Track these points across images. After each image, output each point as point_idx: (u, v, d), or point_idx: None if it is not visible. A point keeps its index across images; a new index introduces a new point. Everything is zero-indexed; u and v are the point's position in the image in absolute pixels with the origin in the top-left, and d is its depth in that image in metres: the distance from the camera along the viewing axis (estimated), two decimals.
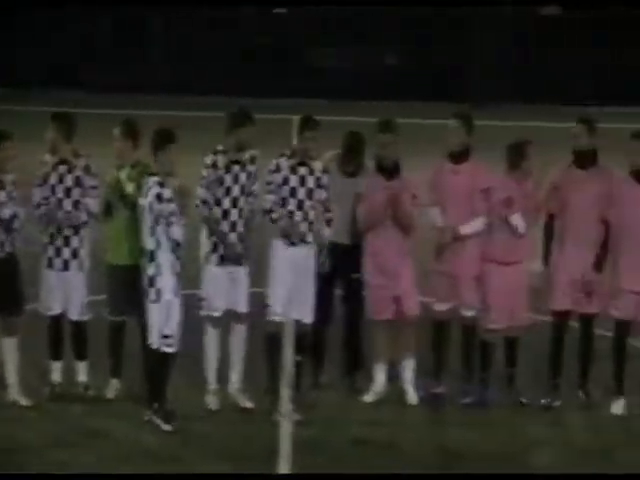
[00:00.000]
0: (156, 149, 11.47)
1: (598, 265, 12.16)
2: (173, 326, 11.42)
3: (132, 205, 11.82)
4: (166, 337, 11.42)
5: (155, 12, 43.24)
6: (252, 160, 12.20)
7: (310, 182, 12.07)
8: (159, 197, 11.32)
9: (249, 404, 12.25)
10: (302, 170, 12.06)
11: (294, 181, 12.07)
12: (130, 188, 11.95)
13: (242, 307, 12.28)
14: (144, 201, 11.45)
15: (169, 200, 11.33)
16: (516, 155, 12.15)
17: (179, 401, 12.03)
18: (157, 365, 11.57)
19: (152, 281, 11.41)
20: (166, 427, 11.44)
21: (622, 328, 12.25)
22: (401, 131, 12.59)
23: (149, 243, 11.39)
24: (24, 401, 11.93)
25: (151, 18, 43.87)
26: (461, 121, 12.40)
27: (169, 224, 11.35)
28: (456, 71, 36.46)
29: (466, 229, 12.10)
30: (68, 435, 11.39)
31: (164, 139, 11.50)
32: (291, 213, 12.09)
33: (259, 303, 12.42)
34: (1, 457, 10.67)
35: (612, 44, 38.09)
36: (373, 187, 12.34)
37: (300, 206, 12.06)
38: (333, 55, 37.74)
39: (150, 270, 11.43)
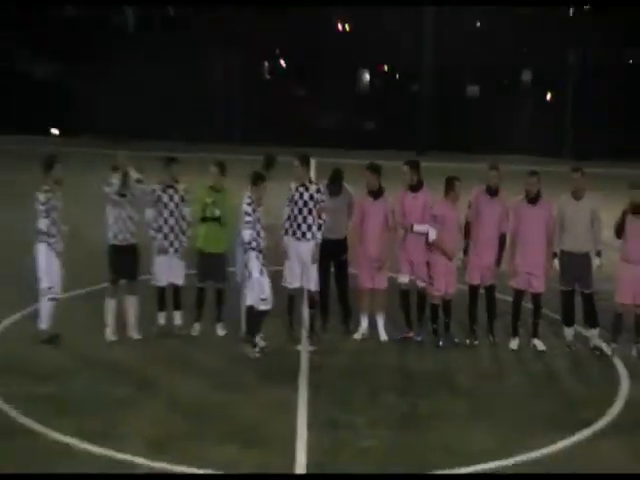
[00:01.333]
0: (252, 184, 11.47)
1: (499, 259, 12.41)
2: (267, 291, 11.45)
3: (217, 219, 12.05)
4: (262, 300, 11.45)
5: None
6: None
7: (306, 197, 11.93)
8: (247, 212, 11.40)
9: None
10: (302, 189, 11.97)
11: (297, 196, 11.97)
12: (217, 210, 12.05)
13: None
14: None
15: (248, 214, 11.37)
16: (448, 186, 12.20)
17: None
18: (257, 317, 11.61)
19: (246, 265, 11.47)
20: (256, 354, 11.51)
21: (518, 295, 12.52)
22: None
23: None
24: (137, 336, 12.09)
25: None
26: (409, 166, 12.40)
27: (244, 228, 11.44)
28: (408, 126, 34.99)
29: (417, 228, 12.15)
30: (162, 357, 11.60)
31: (257, 180, 11.48)
32: (296, 217, 12.00)
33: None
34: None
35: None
36: (363, 203, 12.42)
37: (300, 212, 11.98)
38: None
39: (245, 258, 11.50)
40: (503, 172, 12.55)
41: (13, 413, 9.57)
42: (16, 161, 24.86)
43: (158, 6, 36.26)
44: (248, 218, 11.37)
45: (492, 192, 12.40)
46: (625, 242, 12.15)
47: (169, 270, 12.21)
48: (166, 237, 12.08)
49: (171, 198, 12.07)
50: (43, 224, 11.59)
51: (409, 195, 12.41)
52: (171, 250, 12.14)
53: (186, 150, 22.64)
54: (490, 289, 12.64)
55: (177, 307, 12.42)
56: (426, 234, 12.20)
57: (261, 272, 11.41)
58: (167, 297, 12.38)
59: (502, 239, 12.44)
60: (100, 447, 8.83)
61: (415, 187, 12.41)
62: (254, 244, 11.37)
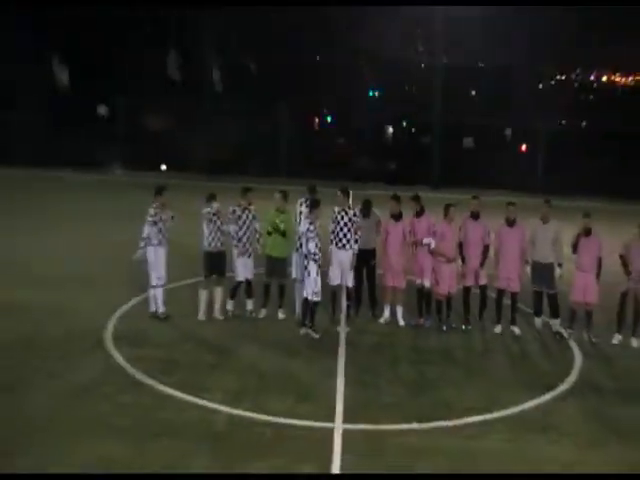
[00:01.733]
0: (311, 209, 11.42)
1: (482, 263, 12.20)
2: (319, 287, 11.26)
3: (282, 233, 11.98)
4: (315, 293, 11.28)
5: None
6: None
7: (346, 219, 11.84)
8: (309, 229, 11.24)
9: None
10: (342, 213, 11.86)
11: (339, 217, 11.88)
12: (282, 226, 11.99)
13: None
14: (304, 229, 11.33)
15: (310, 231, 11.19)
16: (445, 211, 12.11)
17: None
18: (312, 306, 11.38)
19: (306, 267, 11.28)
20: (316, 335, 11.32)
21: (499, 293, 12.33)
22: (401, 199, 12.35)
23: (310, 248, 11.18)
24: (221, 317, 12.01)
25: None
26: (414, 201, 12.25)
27: (307, 240, 11.24)
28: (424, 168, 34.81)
29: (425, 241, 11.98)
30: (239, 332, 11.41)
31: (315, 205, 11.41)
32: (338, 233, 11.84)
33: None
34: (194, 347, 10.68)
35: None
36: (387, 224, 12.30)
37: (341, 229, 11.86)
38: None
39: (305, 262, 11.30)
40: (491, 202, 12.41)
41: (132, 371, 9.62)
42: (138, 189, 25.11)
43: (239, 72, 36.88)
44: (311, 234, 11.22)
45: (475, 216, 12.31)
46: (578, 256, 12.07)
47: (245, 268, 12.15)
48: (244, 245, 12.07)
49: (247, 216, 12.06)
50: (149, 232, 11.63)
51: (415, 220, 12.33)
52: (246, 254, 12.12)
53: (257, 182, 22.56)
54: (483, 288, 12.47)
55: (249, 296, 12.29)
56: (429, 244, 12.08)
57: (317, 273, 11.27)
58: (240, 290, 12.25)
59: (485, 249, 12.30)
60: (194, 397, 8.83)
61: (419, 213, 12.34)
62: (316, 254, 11.22)
